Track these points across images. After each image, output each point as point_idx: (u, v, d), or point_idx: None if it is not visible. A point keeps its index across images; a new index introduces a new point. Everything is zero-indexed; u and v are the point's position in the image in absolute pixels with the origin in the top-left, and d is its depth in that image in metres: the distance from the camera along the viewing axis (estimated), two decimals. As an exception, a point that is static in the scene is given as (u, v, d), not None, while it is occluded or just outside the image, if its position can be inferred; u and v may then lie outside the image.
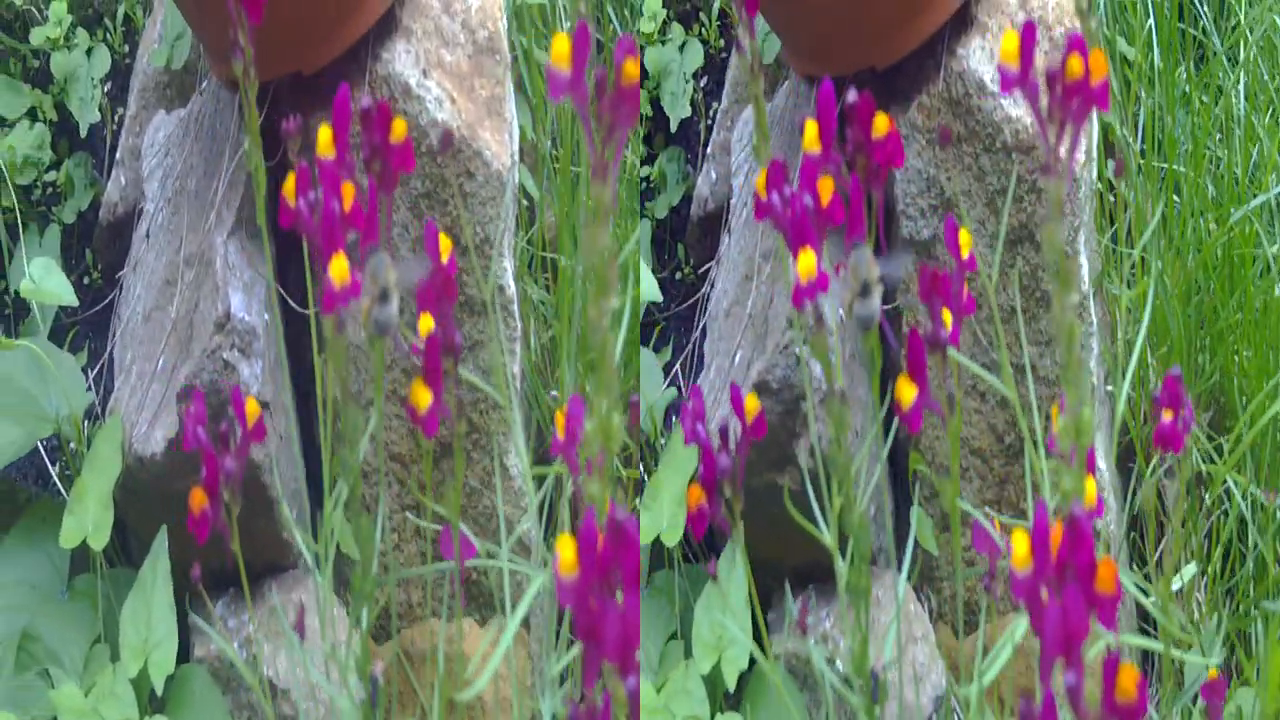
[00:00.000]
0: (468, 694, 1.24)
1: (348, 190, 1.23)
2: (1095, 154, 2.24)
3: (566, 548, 0.97)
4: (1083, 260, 2.17)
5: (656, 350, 2.37)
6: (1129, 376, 1.79)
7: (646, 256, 2.41)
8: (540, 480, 2.01)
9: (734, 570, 2.08)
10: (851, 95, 1.46)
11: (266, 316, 2.12)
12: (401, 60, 2.13)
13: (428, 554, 2.16)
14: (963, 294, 1.61)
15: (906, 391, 1.48)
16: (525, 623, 2.10)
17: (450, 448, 2.03)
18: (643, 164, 2.46)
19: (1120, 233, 2.51)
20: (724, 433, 1.46)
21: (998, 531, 1.84)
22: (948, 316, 1.60)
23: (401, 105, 2.12)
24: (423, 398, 1.33)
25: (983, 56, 2.14)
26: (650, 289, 2.27)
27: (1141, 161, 2.56)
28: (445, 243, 1.44)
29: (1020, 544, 1.10)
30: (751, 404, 1.47)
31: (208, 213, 2.17)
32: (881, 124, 1.46)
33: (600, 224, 0.99)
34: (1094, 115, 2.22)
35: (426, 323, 1.41)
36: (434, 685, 2.05)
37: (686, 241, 2.44)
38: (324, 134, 1.28)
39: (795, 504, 2.02)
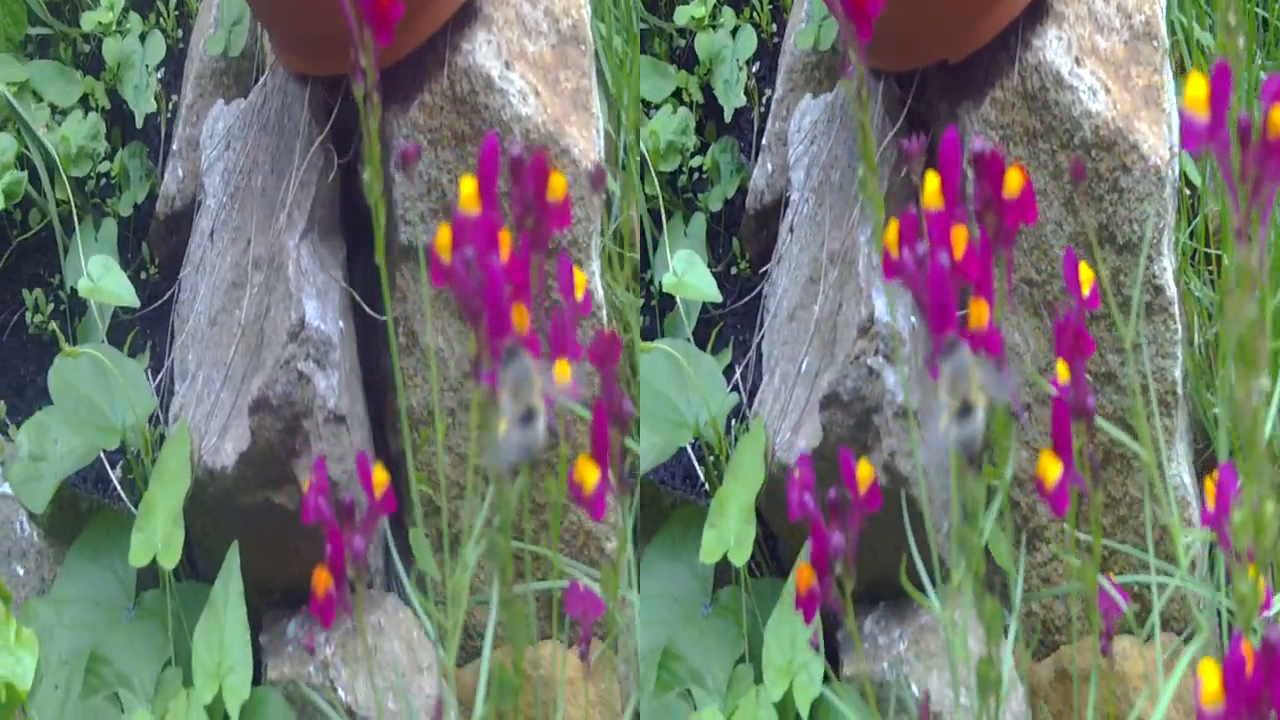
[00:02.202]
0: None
1: (504, 242, 1.00)
2: (1176, 149, 2.01)
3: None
4: (1166, 263, 1.95)
5: (715, 352, 2.14)
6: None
7: (701, 252, 2.18)
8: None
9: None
10: (979, 145, 1.24)
11: (342, 324, 1.89)
12: (482, 51, 1.89)
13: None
14: (1084, 336, 1.40)
15: (1050, 469, 1.27)
16: (614, 645, 1.88)
17: (534, 464, 1.81)
18: (694, 154, 2.23)
19: (1201, 230, 2.28)
20: (834, 505, 1.24)
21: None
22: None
23: (483, 99, 1.88)
24: (590, 476, 1.10)
25: (1060, 47, 1.91)
26: (709, 290, 2.04)
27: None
28: (580, 279, 1.21)
29: (1210, 678, 0.89)
30: (864, 472, 1.25)
31: (277, 213, 1.94)
32: (1014, 180, 1.24)
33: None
34: (1174, 106, 1.98)
35: (563, 370, 1.18)
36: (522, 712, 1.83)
37: (741, 235, 2.22)
38: (467, 186, 1.04)
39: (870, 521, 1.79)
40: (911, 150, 1.36)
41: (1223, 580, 1.92)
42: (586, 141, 1.90)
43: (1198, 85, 0.95)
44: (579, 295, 1.20)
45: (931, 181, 1.22)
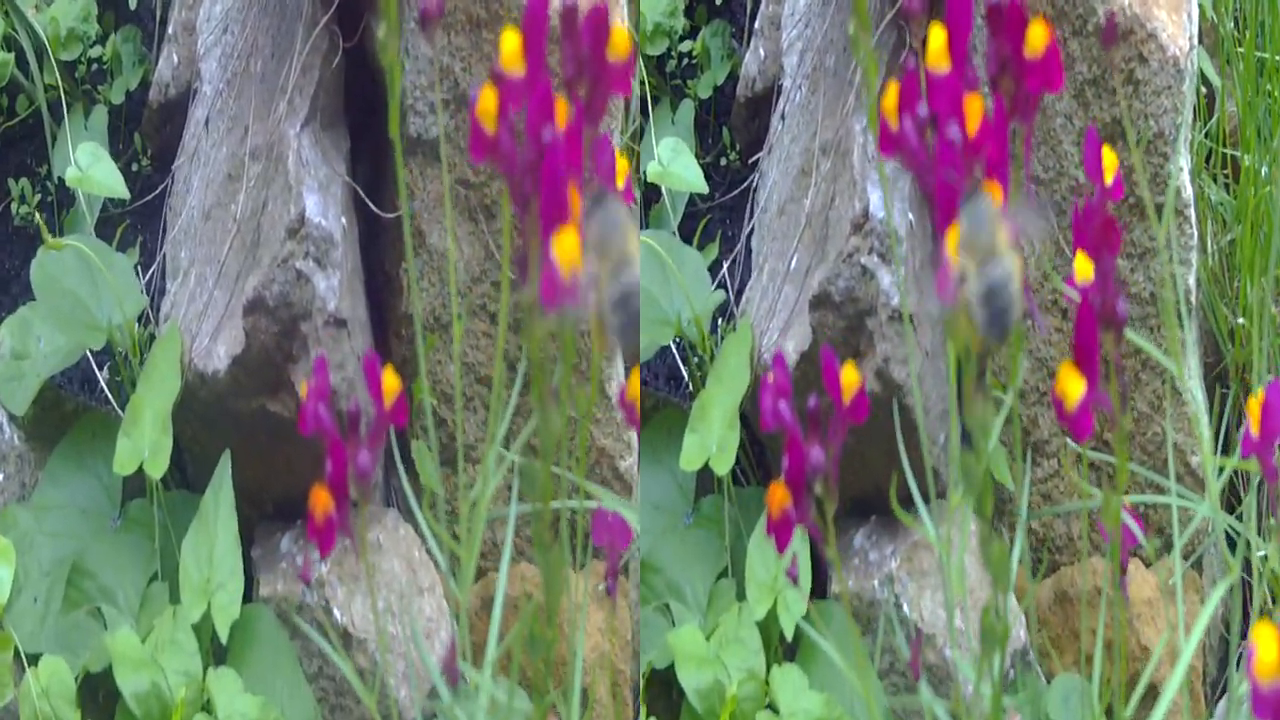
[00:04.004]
0: None
1: (560, 110, 0.80)
2: (1196, 41, 1.82)
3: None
4: (1183, 162, 1.76)
5: (701, 247, 1.95)
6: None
7: (689, 141, 1.99)
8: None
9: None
10: None
11: (344, 221, 1.70)
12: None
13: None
14: (1113, 227, 1.19)
15: (1073, 386, 1.07)
16: (625, 569, 1.71)
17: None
18: (684, 38, 2.04)
19: (1217, 130, 2.10)
20: (813, 415, 1.04)
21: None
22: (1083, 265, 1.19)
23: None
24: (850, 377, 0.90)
25: (1074, -77, 1.72)
26: (695, 179, 1.85)
27: (1241, 50, 2.14)
28: (622, 164, 1.02)
29: (1268, 647, 0.73)
30: (850, 378, 1.05)
31: (277, 100, 1.74)
32: (1038, 35, 1.03)
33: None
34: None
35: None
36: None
37: (732, 124, 2.03)
38: (510, 41, 0.85)
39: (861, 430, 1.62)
40: (912, 7, 1.15)
41: (1253, 511, 1.75)
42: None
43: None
44: (620, 183, 1.01)
45: (936, 37, 1.01)
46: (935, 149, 0.98)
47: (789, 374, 1.06)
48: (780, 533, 1.05)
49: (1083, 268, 1.15)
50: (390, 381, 0.98)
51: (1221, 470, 1.35)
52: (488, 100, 0.84)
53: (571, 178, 0.83)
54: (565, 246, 0.81)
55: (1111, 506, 1.12)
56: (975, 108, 0.99)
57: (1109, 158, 1.26)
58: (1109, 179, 1.25)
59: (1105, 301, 1.14)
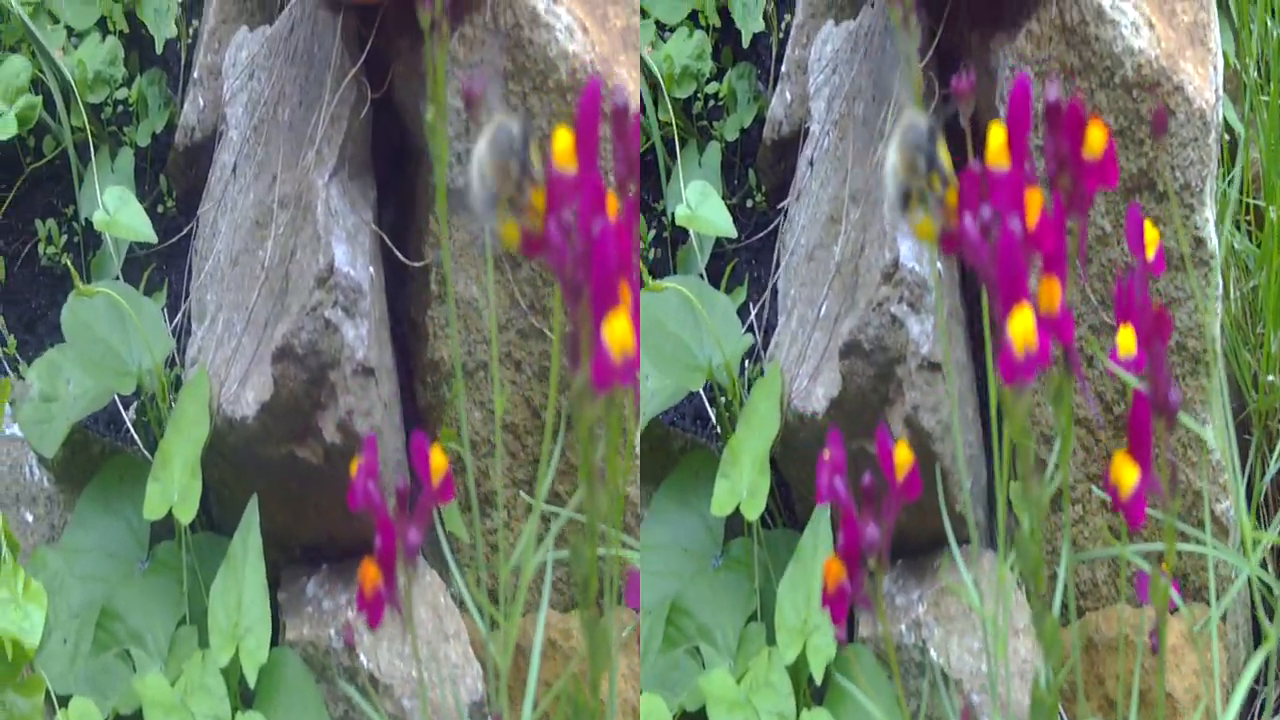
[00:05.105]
0: None
1: (611, 205, 0.81)
2: (1221, 93, 1.81)
3: None
4: (1208, 214, 1.76)
5: (729, 290, 1.95)
6: None
7: (715, 183, 1.99)
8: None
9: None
10: (1053, 92, 1.05)
11: (372, 270, 1.70)
12: (527, -18, 1.70)
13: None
14: (1150, 308, 1.19)
15: (1127, 474, 1.08)
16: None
17: (568, 420, 1.62)
18: (710, 80, 2.04)
19: (1240, 177, 2.10)
20: (868, 492, 1.06)
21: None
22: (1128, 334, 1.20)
23: (529, 33, 1.69)
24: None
25: (1102, -23, 1.72)
26: (724, 223, 1.85)
27: (1265, 98, 2.14)
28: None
29: None
30: (903, 456, 1.07)
31: (305, 149, 1.75)
32: (1097, 137, 1.05)
33: None
34: (1219, 46, 1.79)
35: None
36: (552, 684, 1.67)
37: (758, 166, 2.03)
38: (563, 139, 0.85)
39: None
40: (961, 89, 1.16)
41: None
42: (634, 83, 1.71)
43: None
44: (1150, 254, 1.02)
45: (996, 134, 1.03)
46: (997, 242, 0.99)
47: (844, 451, 1.08)
48: (835, 606, 1.08)
49: (1125, 341, 1.16)
50: (438, 460, 0.99)
51: (1257, 544, 1.36)
52: (537, 202, 0.85)
53: (624, 270, 0.84)
54: (617, 331, 0.82)
55: (1159, 587, 1.12)
56: (1035, 202, 1.01)
57: (1151, 233, 1.26)
58: (1151, 254, 1.25)
59: (1157, 389, 1.14)
